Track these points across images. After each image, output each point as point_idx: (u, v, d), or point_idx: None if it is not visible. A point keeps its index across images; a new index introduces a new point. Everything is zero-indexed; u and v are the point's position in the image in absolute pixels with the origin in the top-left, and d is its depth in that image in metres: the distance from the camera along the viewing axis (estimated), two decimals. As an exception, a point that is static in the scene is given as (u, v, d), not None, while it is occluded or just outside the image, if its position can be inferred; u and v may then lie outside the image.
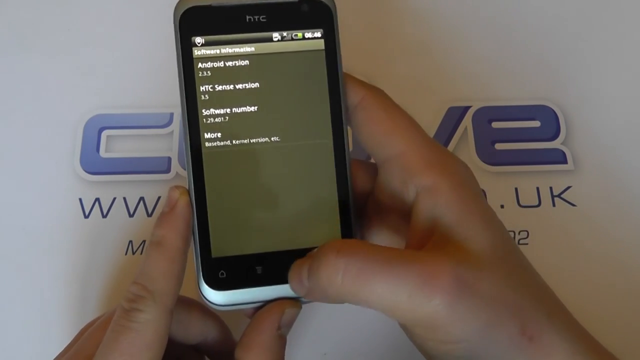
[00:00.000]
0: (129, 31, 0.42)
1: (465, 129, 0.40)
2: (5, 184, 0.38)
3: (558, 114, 0.40)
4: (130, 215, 0.37)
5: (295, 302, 0.26)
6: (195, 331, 0.28)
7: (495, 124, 0.40)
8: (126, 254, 0.36)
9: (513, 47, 0.42)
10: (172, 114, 0.40)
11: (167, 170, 0.38)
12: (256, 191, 0.27)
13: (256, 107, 0.27)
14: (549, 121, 0.40)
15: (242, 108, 0.27)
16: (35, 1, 0.43)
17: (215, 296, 0.26)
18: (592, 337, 0.25)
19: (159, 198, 0.38)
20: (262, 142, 0.27)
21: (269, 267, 0.26)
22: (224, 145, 0.27)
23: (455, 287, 0.22)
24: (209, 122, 0.26)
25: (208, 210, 0.26)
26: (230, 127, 0.27)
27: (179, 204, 0.26)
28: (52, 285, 0.35)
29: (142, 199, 0.38)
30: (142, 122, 0.40)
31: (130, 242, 0.37)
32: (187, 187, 0.26)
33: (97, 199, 0.38)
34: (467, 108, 0.40)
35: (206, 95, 0.27)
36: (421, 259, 0.23)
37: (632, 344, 0.34)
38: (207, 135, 0.26)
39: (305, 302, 0.27)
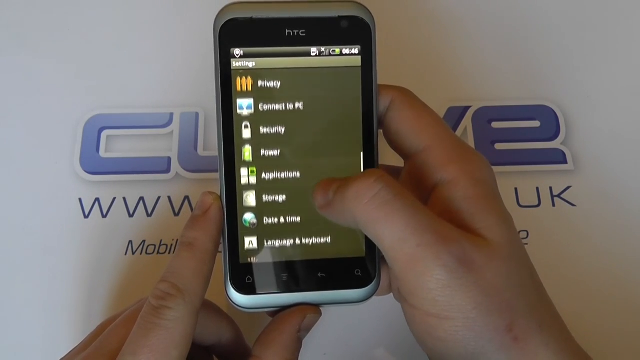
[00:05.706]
0: (129, 31, 0.42)
1: (465, 129, 0.40)
2: (5, 184, 0.38)
3: (558, 114, 0.40)
4: (130, 215, 0.37)
5: (316, 308, 0.27)
6: (212, 333, 0.28)
7: (495, 124, 0.40)
8: (126, 254, 0.36)
9: (513, 47, 0.42)
10: (172, 114, 0.40)
11: (167, 170, 0.38)
12: (286, 202, 0.27)
13: (290, 121, 0.27)
14: (549, 121, 0.40)
15: (276, 120, 0.27)
16: (35, 1, 0.43)
17: (241, 299, 0.27)
18: (585, 355, 0.25)
19: (158, 198, 0.38)
20: (294, 156, 0.27)
21: (294, 275, 0.27)
22: (256, 156, 0.27)
23: (462, 260, 0.23)
24: (244, 131, 0.27)
25: (238, 217, 0.27)
26: (264, 137, 0.27)
27: (212, 209, 0.26)
28: (52, 285, 0.35)
29: (142, 199, 0.38)
30: (142, 122, 0.40)
31: (130, 242, 0.37)
32: (218, 194, 0.27)
33: (97, 199, 0.38)
34: (467, 108, 0.40)
35: (243, 107, 0.27)
36: (441, 223, 0.24)
37: (631, 343, 0.34)
38: (241, 144, 0.27)
39: (325, 306, 0.28)
